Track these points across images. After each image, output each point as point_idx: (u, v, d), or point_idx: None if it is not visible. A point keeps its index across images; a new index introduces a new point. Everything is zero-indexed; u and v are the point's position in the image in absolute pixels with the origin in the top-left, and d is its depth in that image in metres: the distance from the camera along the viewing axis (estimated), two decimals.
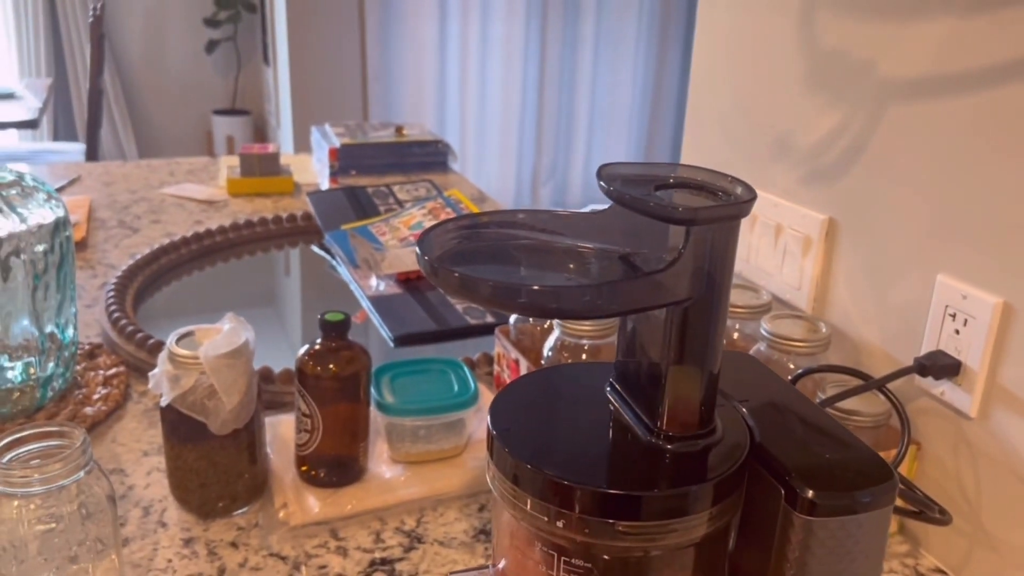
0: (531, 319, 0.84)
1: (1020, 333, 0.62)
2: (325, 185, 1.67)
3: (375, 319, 1.10)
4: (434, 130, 3.57)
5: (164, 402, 0.70)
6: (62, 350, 0.86)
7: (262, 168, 1.58)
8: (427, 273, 0.36)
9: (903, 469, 0.71)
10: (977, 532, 0.67)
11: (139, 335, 0.97)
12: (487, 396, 0.87)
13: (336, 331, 0.74)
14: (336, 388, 0.74)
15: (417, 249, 0.37)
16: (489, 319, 1.07)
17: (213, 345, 0.69)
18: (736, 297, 0.83)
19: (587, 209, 0.40)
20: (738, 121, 0.92)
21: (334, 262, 1.29)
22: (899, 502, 0.63)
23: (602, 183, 0.39)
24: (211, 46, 4.11)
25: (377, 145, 1.74)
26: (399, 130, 1.81)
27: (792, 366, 0.75)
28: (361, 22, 3.36)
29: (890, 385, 0.67)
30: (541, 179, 3.93)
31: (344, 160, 1.71)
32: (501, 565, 0.44)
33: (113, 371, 0.93)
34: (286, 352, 1.03)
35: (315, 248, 1.38)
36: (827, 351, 0.76)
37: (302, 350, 0.74)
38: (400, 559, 0.69)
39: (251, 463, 0.73)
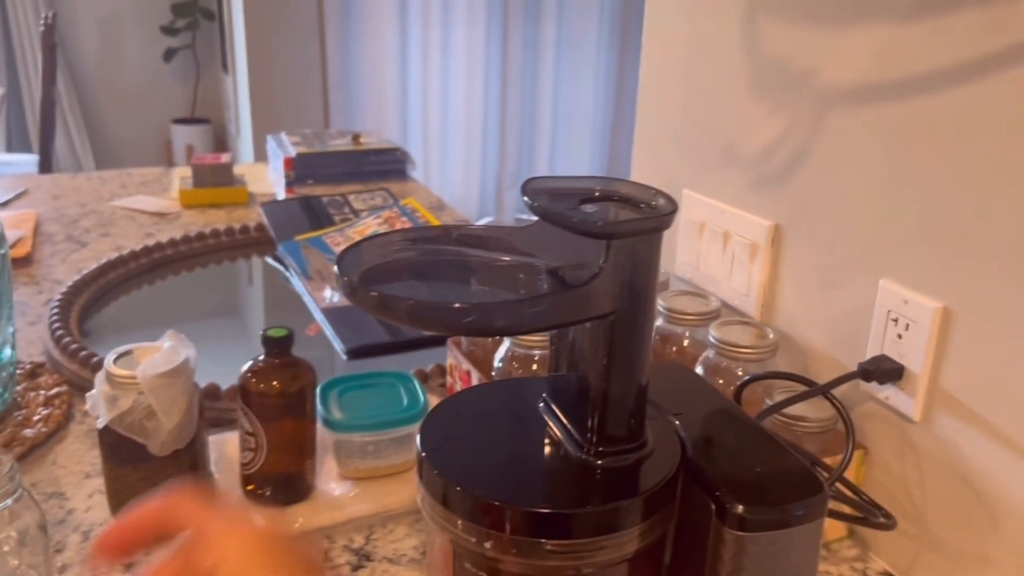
0: None
1: (960, 337, 0.63)
2: (281, 195, 1.65)
3: (328, 331, 1.09)
4: (397, 137, 3.55)
5: (101, 424, 0.68)
6: (0, 371, 0.84)
7: (215, 179, 1.56)
8: (345, 293, 0.35)
9: (850, 474, 0.71)
10: (924, 535, 0.67)
11: (83, 353, 0.95)
12: None
13: (279, 347, 0.72)
14: (281, 405, 0.72)
15: (335, 268, 0.36)
16: None
17: (151, 364, 0.68)
18: (685, 304, 0.83)
19: (483, 222, 0.40)
20: (686, 128, 0.92)
21: (287, 273, 1.28)
22: (844, 508, 0.63)
23: (526, 198, 0.38)
24: (169, 54, 4.06)
25: (334, 154, 1.73)
26: (356, 138, 1.79)
27: (740, 372, 0.75)
28: (321, 29, 3.33)
29: (836, 390, 0.68)
30: (505, 184, 3.93)
31: (300, 169, 1.69)
32: None
33: (55, 391, 0.91)
34: (238, 367, 1.02)
35: (269, 259, 1.36)
36: (775, 357, 0.76)
37: (245, 367, 0.72)
38: None
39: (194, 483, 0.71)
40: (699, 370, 0.78)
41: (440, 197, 1.68)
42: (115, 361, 0.69)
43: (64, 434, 0.86)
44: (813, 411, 0.70)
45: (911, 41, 0.64)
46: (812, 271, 0.76)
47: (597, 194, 0.40)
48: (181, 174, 1.69)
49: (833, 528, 0.73)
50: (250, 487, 0.74)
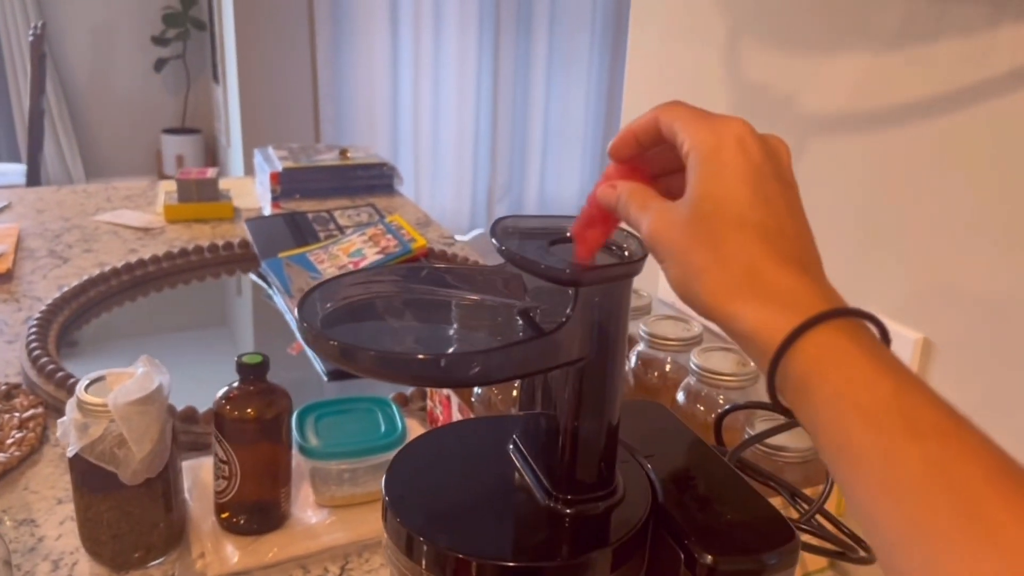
0: None
1: (940, 368, 0.62)
2: (267, 210, 1.64)
3: (309, 352, 1.07)
4: (387, 148, 3.55)
5: (71, 452, 0.67)
6: None
7: (200, 193, 1.55)
8: (306, 341, 0.35)
9: (831, 505, 0.70)
10: None
11: (59, 374, 0.94)
12: (417, 434, 0.85)
13: (254, 374, 0.71)
14: (255, 432, 0.71)
15: (296, 312, 0.35)
16: None
17: (123, 391, 0.67)
18: (667, 329, 0.82)
19: (473, 234, 0.39)
20: None
21: (270, 291, 1.27)
22: (825, 542, 0.62)
23: (494, 241, 0.38)
24: (160, 64, 4.05)
25: (321, 168, 1.72)
26: (343, 153, 1.79)
27: (721, 400, 0.75)
28: (311, 41, 3.33)
29: None
30: (496, 197, 3.93)
31: (287, 184, 1.68)
32: None
33: (30, 413, 0.90)
34: (219, 387, 1.01)
35: (252, 276, 1.35)
36: (757, 384, 0.75)
37: (219, 393, 0.71)
38: None
39: (167, 512, 0.70)
40: (681, 396, 0.77)
41: (427, 212, 1.67)
42: (87, 388, 0.68)
43: (37, 458, 0.84)
44: (794, 441, 0.70)
45: (891, 70, 0.64)
46: None
47: (568, 235, 0.39)
48: (167, 188, 1.68)
49: (813, 561, 0.72)
50: (224, 515, 0.73)
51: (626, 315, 0.38)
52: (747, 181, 0.36)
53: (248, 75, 3.24)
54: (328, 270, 1.25)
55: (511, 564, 0.36)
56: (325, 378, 1.03)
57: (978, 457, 0.28)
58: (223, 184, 1.67)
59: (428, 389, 0.89)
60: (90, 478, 0.68)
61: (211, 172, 1.60)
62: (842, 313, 0.33)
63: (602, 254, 0.39)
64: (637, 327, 0.84)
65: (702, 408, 0.75)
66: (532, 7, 3.70)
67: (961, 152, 0.59)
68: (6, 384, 0.95)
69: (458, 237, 1.60)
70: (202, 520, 0.74)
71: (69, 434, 0.67)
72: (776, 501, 0.56)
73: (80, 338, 1.13)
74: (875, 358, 0.32)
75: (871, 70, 0.66)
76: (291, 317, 1.16)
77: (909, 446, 0.28)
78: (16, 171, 3.15)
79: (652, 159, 0.40)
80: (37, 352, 0.98)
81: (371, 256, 1.28)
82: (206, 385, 0.79)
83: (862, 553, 0.61)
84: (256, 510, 0.73)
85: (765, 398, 0.76)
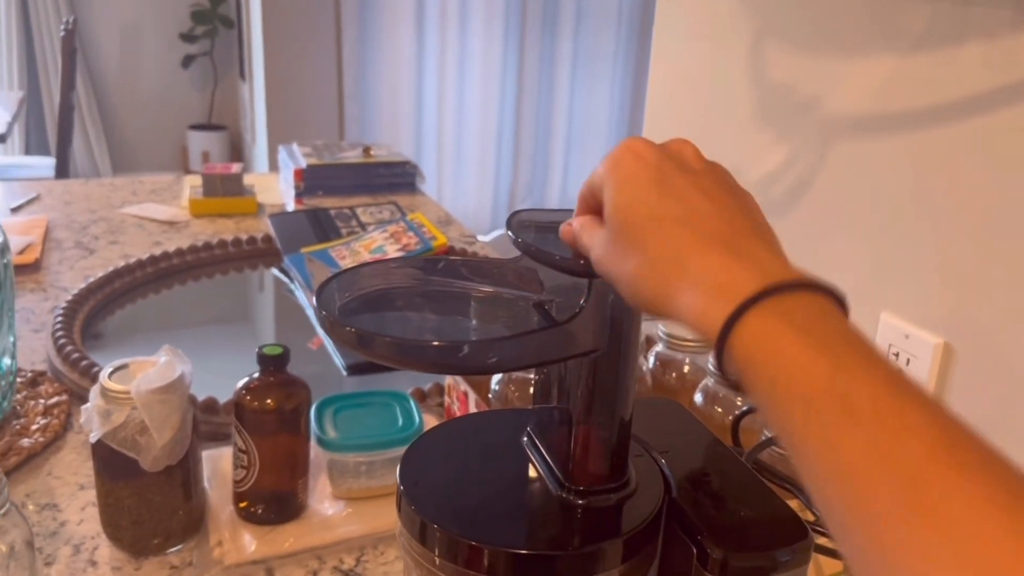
0: None
1: (960, 374, 0.62)
2: (290, 206, 1.66)
3: (329, 346, 1.08)
4: (411, 148, 3.57)
5: (94, 438, 0.68)
6: None
7: (225, 188, 1.57)
8: (324, 328, 0.35)
9: None
10: None
11: (84, 363, 0.95)
12: None
13: (275, 365, 0.72)
14: (275, 423, 0.72)
15: (314, 301, 0.36)
16: None
17: (146, 379, 0.68)
18: (685, 330, 0.82)
19: (494, 235, 0.39)
20: None
21: (292, 286, 1.28)
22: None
23: (510, 232, 0.38)
24: (187, 61, 4.09)
25: (344, 166, 1.73)
26: (367, 151, 1.80)
27: (739, 401, 0.74)
28: (338, 40, 3.35)
29: None
30: (518, 197, 3.93)
31: (310, 181, 1.70)
32: None
33: (55, 400, 0.91)
34: (240, 379, 1.02)
35: (275, 271, 1.37)
36: None
37: (240, 384, 0.72)
38: None
39: (186, 500, 0.71)
40: (699, 397, 0.77)
41: (448, 211, 1.68)
42: (110, 375, 0.69)
43: (61, 444, 0.86)
44: None
45: (915, 73, 0.64)
46: None
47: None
48: (192, 183, 1.70)
49: (829, 564, 0.72)
50: (243, 504, 0.74)
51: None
52: (650, 182, 0.36)
53: (274, 73, 3.27)
54: (349, 266, 1.26)
55: (523, 552, 0.36)
56: (344, 373, 1.03)
57: (919, 435, 0.27)
58: (247, 180, 1.68)
59: (446, 385, 0.89)
60: (112, 464, 0.69)
61: (236, 167, 1.62)
62: (772, 292, 0.32)
63: None
64: (656, 328, 0.84)
65: (720, 410, 0.75)
66: (557, 7, 3.70)
67: (985, 155, 0.59)
68: (32, 371, 0.96)
69: (479, 237, 1.60)
70: (220, 509, 0.75)
71: (92, 420, 0.68)
72: (793, 504, 0.56)
73: (104, 330, 1.15)
74: (810, 338, 0.31)
75: (896, 72, 0.65)
76: (312, 312, 1.17)
77: (847, 430, 0.28)
78: (45, 164, 3.19)
79: None
80: (62, 341, 1.00)
81: (392, 253, 1.29)
82: (226, 377, 0.80)
83: None
84: (274, 500, 0.74)
85: None
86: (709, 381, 0.77)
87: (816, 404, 0.28)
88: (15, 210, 1.56)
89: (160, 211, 1.57)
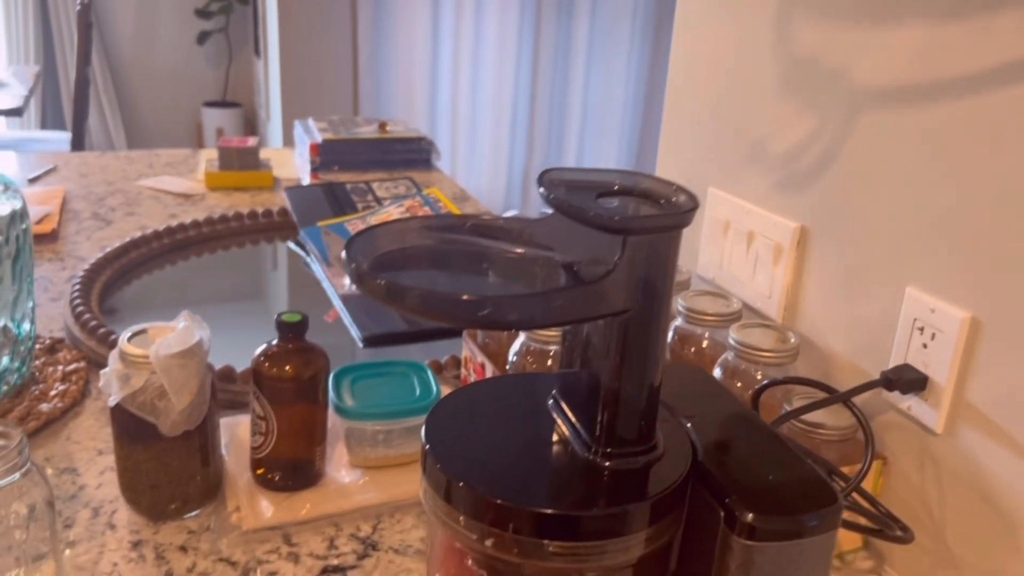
0: None
1: (987, 349, 0.61)
2: (306, 180, 1.65)
3: (346, 318, 1.08)
4: (425, 125, 3.55)
5: (112, 402, 0.68)
6: (17, 345, 0.84)
7: (241, 162, 1.56)
8: (353, 280, 0.35)
9: (868, 484, 0.69)
10: (940, 550, 0.66)
11: (101, 330, 0.96)
12: None
13: (293, 332, 0.72)
14: (293, 390, 0.72)
15: (344, 254, 0.35)
16: None
17: (164, 344, 0.68)
18: (706, 304, 0.81)
19: (509, 214, 0.39)
20: (714, 125, 0.91)
21: (308, 259, 1.28)
22: (860, 519, 0.62)
23: (542, 189, 0.37)
24: (202, 37, 4.08)
25: (359, 141, 1.73)
26: (382, 126, 1.79)
27: (760, 376, 0.74)
28: (353, 17, 3.34)
29: (857, 398, 0.66)
30: (532, 177, 3.91)
31: (326, 156, 1.69)
32: None
33: (73, 367, 0.91)
34: (255, 350, 1.02)
35: (290, 244, 1.37)
36: (795, 362, 0.74)
37: (258, 351, 0.72)
38: (353, 566, 0.67)
39: (204, 465, 0.71)
40: (717, 372, 0.77)
41: (464, 188, 1.67)
42: (129, 340, 0.69)
43: (80, 410, 0.86)
44: (832, 419, 0.69)
45: (949, 42, 0.63)
46: (837, 275, 0.75)
47: (616, 188, 0.39)
48: (208, 156, 1.70)
49: (848, 539, 0.71)
50: (260, 471, 0.74)
51: (673, 269, 0.37)
52: None
53: (289, 50, 3.26)
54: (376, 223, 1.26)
55: (549, 512, 0.36)
56: (361, 344, 1.03)
57: None
58: (263, 155, 1.68)
59: (463, 356, 0.89)
60: (130, 428, 0.69)
61: (252, 141, 1.61)
62: None
63: (649, 206, 0.38)
64: (676, 302, 0.83)
65: (739, 384, 0.75)
66: None
67: (1017, 127, 0.58)
68: (50, 338, 0.97)
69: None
70: (238, 475, 0.75)
71: (111, 384, 0.68)
72: None
73: (120, 303, 1.15)
74: None
75: (929, 41, 0.64)
76: (328, 285, 1.17)
77: None
78: (61, 139, 3.20)
79: None
80: (80, 308, 1.00)
81: None
82: (242, 348, 0.80)
83: (899, 531, 0.60)
84: (291, 467, 0.74)
85: (803, 374, 0.75)
86: (729, 355, 0.76)
87: None
88: (32, 181, 1.57)
89: (176, 184, 1.57)
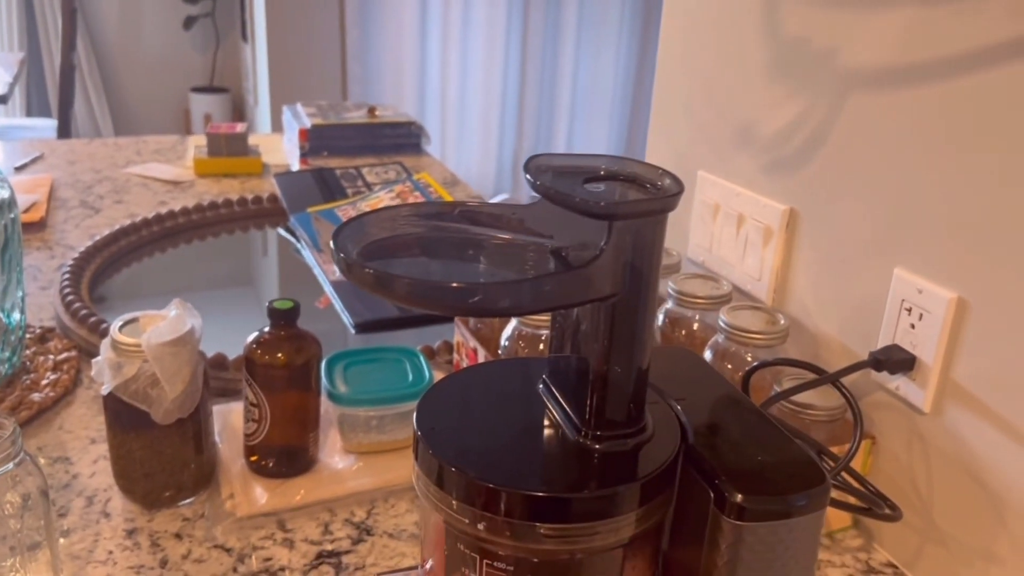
0: None
1: (974, 329, 0.62)
2: (295, 166, 1.65)
3: (337, 304, 1.08)
4: (414, 110, 3.53)
5: (105, 390, 0.68)
6: (8, 334, 0.84)
7: (230, 148, 1.56)
8: (341, 270, 0.35)
9: (857, 464, 0.70)
10: (929, 528, 0.66)
11: (92, 319, 0.95)
12: None
13: (285, 319, 0.72)
14: (285, 377, 0.72)
15: (331, 243, 0.35)
16: None
17: (156, 332, 0.68)
18: (696, 287, 0.81)
19: (499, 199, 0.39)
20: (703, 108, 0.91)
21: (298, 245, 1.27)
22: (849, 498, 0.62)
23: (528, 176, 0.37)
24: (189, 22, 4.05)
25: (349, 126, 1.72)
26: (372, 111, 1.78)
27: (750, 358, 0.74)
28: (341, 1, 3.31)
29: (846, 379, 0.67)
30: (522, 161, 3.90)
31: (315, 141, 1.69)
32: (428, 565, 0.43)
33: (64, 356, 0.91)
34: (247, 337, 1.02)
35: (280, 231, 1.36)
36: (785, 343, 0.75)
37: (250, 338, 0.72)
38: (348, 551, 0.68)
39: (197, 452, 0.72)
40: (708, 354, 0.77)
41: (454, 173, 1.66)
42: (120, 328, 0.69)
43: (71, 399, 0.86)
44: (822, 399, 0.69)
45: (937, 23, 0.63)
46: (826, 257, 0.75)
47: (603, 173, 0.39)
48: (196, 143, 1.69)
49: (837, 518, 0.72)
50: (253, 458, 0.74)
51: (659, 253, 0.38)
52: None
53: (277, 34, 3.23)
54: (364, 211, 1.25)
55: (540, 494, 0.36)
56: (353, 331, 1.03)
57: None
58: (252, 140, 1.67)
59: (455, 342, 0.89)
60: (123, 417, 0.69)
61: (240, 127, 1.61)
62: None
63: (635, 191, 0.38)
64: (666, 285, 0.84)
65: (730, 366, 0.75)
66: None
67: (1009, 109, 0.58)
68: (40, 328, 0.96)
69: (487, 201, 1.59)
70: (232, 462, 0.75)
71: (103, 373, 0.68)
72: None
73: (111, 291, 1.15)
74: None
75: (916, 23, 0.64)
76: (319, 271, 1.17)
77: None
78: (47, 126, 3.18)
79: None
80: (70, 297, 1.00)
81: None
82: (234, 335, 0.80)
83: (887, 510, 0.61)
84: (284, 454, 0.74)
85: (793, 356, 0.75)
86: (719, 338, 0.76)
87: None
88: (19, 169, 1.56)
89: (165, 171, 1.56)
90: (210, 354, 0.89)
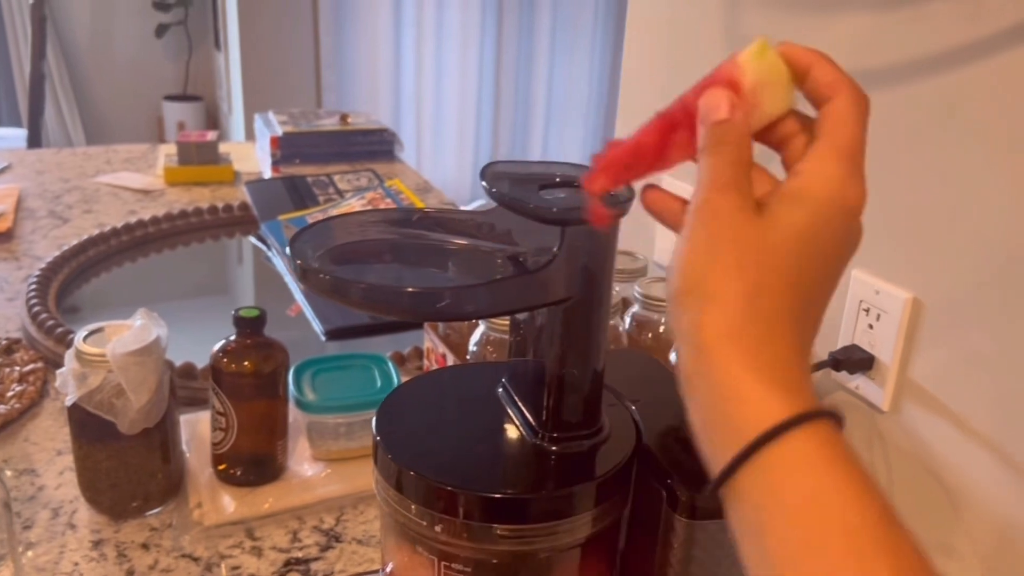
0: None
1: (929, 328, 0.63)
2: (267, 174, 1.64)
3: (308, 312, 1.08)
4: (390, 117, 3.53)
5: (69, 401, 0.68)
6: None
7: (200, 156, 1.55)
8: (297, 277, 0.35)
9: None
10: None
11: (59, 330, 0.95)
12: None
13: (251, 327, 0.72)
14: (252, 385, 0.72)
15: (287, 251, 0.36)
16: None
17: (121, 342, 0.67)
18: (662, 290, 0.82)
19: (474, 205, 0.39)
20: None
21: (269, 253, 1.27)
22: None
23: (484, 183, 0.38)
24: (161, 30, 4.02)
25: (321, 134, 1.72)
26: (344, 118, 1.78)
27: None
28: (314, 8, 3.31)
29: None
30: None
31: (287, 149, 1.68)
32: (389, 568, 0.43)
33: (30, 367, 0.91)
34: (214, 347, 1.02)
35: (252, 239, 1.36)
36: None
37: (216, 347, 0.72)
38: (316, 559, 0.68)
39: (164, 462, 0.71)
40: (673, 357, 0.78)
41: (428, 179, 1.67)
42: (85, 339, 0.68)
43: (38, 411, 0.85)
44: None
45: (889, 30, 0.64)
46: None
47: (558, 180, 0.40)
48: (167, 151, 1.68)
49: None
50: (221, 467, 0.74)
51: (612, 258, 0.38)
52: (827, 256, 0.33)
53: (250, 42, 3.22)
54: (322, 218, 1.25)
55: (498, 496, 0.37)
56: (323, 338, 1.03)
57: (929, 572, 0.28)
58: (223, 149, 1.67)
59: (425, 347, 0.89)
60: (88, 427, 0.69)
61: (211, 135, 1.60)
62: (832, 415, 0.31)
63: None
64: (632, 289, 0.85)
65: None
66: None
67: (957, 113, 0.59)
68: (6, 339, 0.96)
69: (460, 207, 1.60)
70: (199, 472, 0.75)
71: (68, 384, 0.68)
72: None
73: (80, 300, 1.14)
74: (861, 469, 0.30)
75: (870, 30, 0.66)
76: (290, 278, 1.17)
77: (880, 561, 0.27)
78: (17, 135, 3.14)
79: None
80: (37, 308, 0.99)
81: None
82: (204, 344, 0.80)
83: None
84: (253, 462, 0.74)
85: None
86: None
87: (865, 538, 0.28)
88: None
89: (135, 180, 1.56)
90: (180, 363, 0.89)
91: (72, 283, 1.15)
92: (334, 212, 1.32)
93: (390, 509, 0.40)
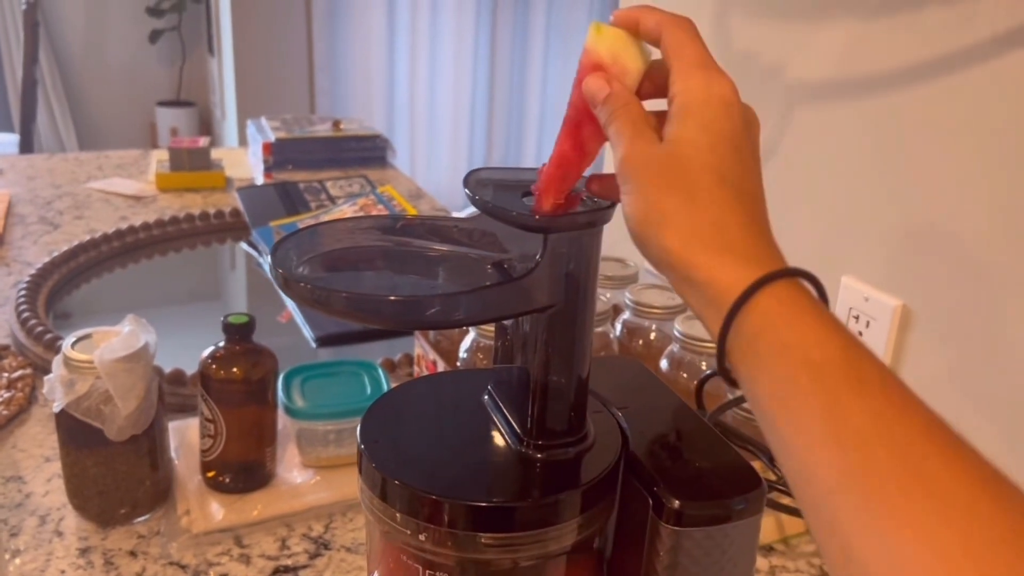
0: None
1: (918, 335, 0.63)
2: (259, 180, 1.64)
3: (298, 318, 1.08)
4: (383, 122, 3.54)
5: (57, 408, 0.67)
6: None
7: (192, 162, 1.55)
8: (279, 285, 0.35)
9: None
10: None
11: (48, 336, 0.94)
12: None
13: (240, 334, 0.72)
14: (241, 392, 0.72)
15: (268, 259, 0.36)
16: None
17: (109, 349, 0.67)
18: (653, 297, 0.83)
19: (467, 212, 0.39)
20: None
21: (261, 259, 1.27)
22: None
23: (467, 190, 0.38)
24: (155, 36, 4.02)
25: (313, 140, 1.72)
26: (336, 124, 1.78)
27: (704, 366, 0.75)
28: (307, 13, 3.31)
29: None
30: None
31: (279, 155, 1.68)
32: None
33: (19, 374, 0.90)
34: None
35: (243, 245, 1.36)
36: None
37: (205, 353, 0.72)
38: (305, 566, 0.68)
39: (152, 469, 0.71)
40: (664, 363, 0.78)
41: (422, 186, 1.67)
42: (73, 345, 0.68)
43: (26, 417, 0.85)
44: None
45: (877, 38, 0.64)
46: None
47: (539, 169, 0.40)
48: (159, 157, 1.68)
49: (792, 523, 0.73)
50: (210, 473, 0.74)
51: (595, 265, 0.38)
52: (730, 141, 0.37)
53: (244, 48, 3.22)
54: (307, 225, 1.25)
55: (483, 504, 0.37)
56: (314, 345, 1.03)
57: (917, 414, 0.30)
58: (216, 155, 1.67)
59: (415, 354, 0.89)
60: (76, 434, 0.68)
61: (203, 141, 1.60)
62: (797, 273, 0.34)
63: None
64: (623, 296, 0.85)
65: (685, 375, 0.76)
66: None
67: (944, 119, 0.60)
68: None
69: (454, 214, 1.60)
70: (188, 479, 0.75)
71: (55, 390, 0.68)
72: (756, 465, 0.57)
73: (73, 307, 1.13)
74: (825, 316, 0.33)
75: (858, 38, 0.66)
76: None
77: (854, 400, 0.30)
78: (9, 141, 3.14)
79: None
80: (26, 314, 0.99)
81: None
82: (195, 350, 0.80)
83: None
84: (241, 469, 0.74)
85: None
86: (675, 347, 0.77)
87: (828, 370, 0.31)
88: None
89: (126, 186, 1.55)
90: (170, 370, 0.89)
91: (63, 289, 1.14)
92: (325, 218, 1.32)
93: (375, 517, 0.40)
